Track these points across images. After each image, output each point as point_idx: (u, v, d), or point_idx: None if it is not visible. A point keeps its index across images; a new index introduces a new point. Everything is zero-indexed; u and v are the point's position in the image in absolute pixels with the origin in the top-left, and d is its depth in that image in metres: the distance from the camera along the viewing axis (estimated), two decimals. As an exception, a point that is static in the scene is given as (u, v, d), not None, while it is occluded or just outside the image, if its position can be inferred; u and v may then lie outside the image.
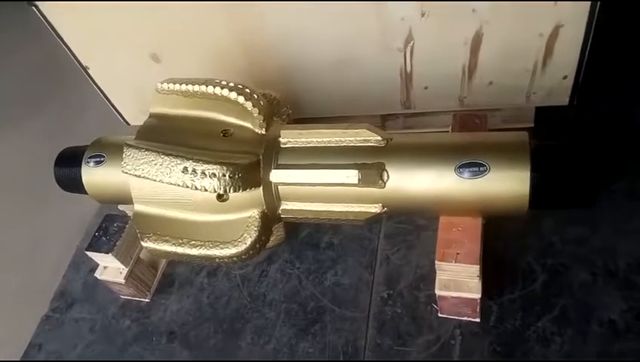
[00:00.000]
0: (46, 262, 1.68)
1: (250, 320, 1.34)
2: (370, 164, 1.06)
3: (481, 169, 0.99)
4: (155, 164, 1.07)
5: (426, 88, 1.42)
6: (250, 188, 1.09)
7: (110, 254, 1.29)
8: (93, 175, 1.30)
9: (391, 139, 1.09)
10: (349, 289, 1.32)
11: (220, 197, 1.10)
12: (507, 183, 0.98)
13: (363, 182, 1.05)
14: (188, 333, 1.36)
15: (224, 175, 1.04)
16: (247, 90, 1.15)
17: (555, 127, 1.48)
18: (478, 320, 1.18)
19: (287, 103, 1.34)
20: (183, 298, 1.43)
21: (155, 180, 1.08)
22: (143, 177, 1.08)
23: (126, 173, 1.10)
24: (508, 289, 1.21)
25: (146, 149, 1.08)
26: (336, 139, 1.11)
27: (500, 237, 1.26)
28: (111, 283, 1.38)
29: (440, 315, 1.21)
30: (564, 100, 1.38)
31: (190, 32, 1.41)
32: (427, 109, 1.51)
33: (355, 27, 1.29)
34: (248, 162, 1.08)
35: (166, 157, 1.06)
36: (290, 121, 1.31)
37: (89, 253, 1.33)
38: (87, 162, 1.30)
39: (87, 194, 1.34)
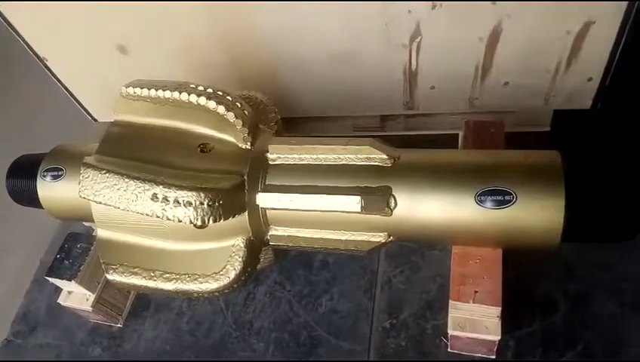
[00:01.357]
0: (5, 278, 1.51)
1: (236, 352, 1.19)
2: (375, 188, 0.90)
3: (507, 198, 0.84)
4: (119, 189, 0.89)
5: (432, 88, 1.25)
6: (233, 216, 0.92)
7: (73, 281, 1.13)
8: (50, 190, 1.12)
9: (398, 158, 0.93)
10: (346, 316, 1.18)
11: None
12: (537, 215, 0.83)
13: (366, 209, 0.89)
14: (165, 365, 1.22)
15: (201, 203, 0.88)
16: (229, 98, 0.97)
17: (573, 130, 1.33)
18: (493, 357, 1.05)
19: (275, 104, 1.16)
20: (160, 323, 1.28)
21: (118, 208, 0.90)
22: (105, 204, 0.91)
23: (84, 198, 0.93)
24: (526, 321, 1.08)
25: (107, 171, 0.90)
26: (335, 156, 0.95)
27: (516, 261, 1.12)
28: (77, 309, 1.22)
29: (450, 351, 1.08)
30: (587, 104, 1.23)
31: (162, 21, 1.22)
32: (432, 111, 1.35)
33: (355, 19, 1.12)
34: (230, 185, 0.92)
35: (131, 182, 0.89)
36: (278, 127, 1.13)
37: (50, 279, 1.16)
38: (44, 176, 1.12)
39: (42, 208, 1.17)
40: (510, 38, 1.10)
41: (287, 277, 1.26)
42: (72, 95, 1.51)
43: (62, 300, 1.21)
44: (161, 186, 0.88)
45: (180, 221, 0.88)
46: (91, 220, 1.07)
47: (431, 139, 1.39)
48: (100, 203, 0.91)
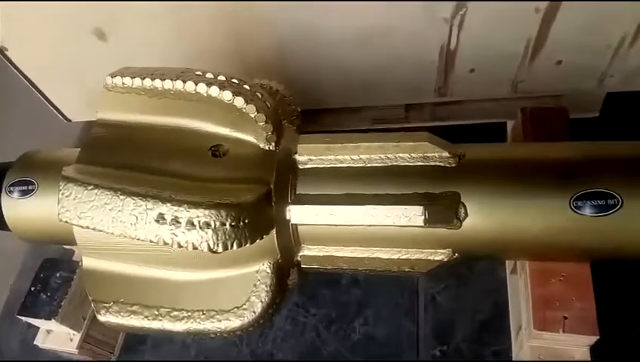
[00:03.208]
0: (-31, 310, 1.28)
1: (256, 392, 1.00)
2: (439, 195, 0.72)
3: (610, 202, 0.67)
4: (112, 210, 0.68)
5: (471, 71, 1.08)
6: (261, 237, 0.73)
7: (53, 320, 0.91)
8: (18, 209, 0.90)
9: (463, 155, 0.75)
10: (387, 344, 1.00)
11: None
12: (649, 222, 0.66)
13: (431, 222, 0.71)
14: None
15: (223, 223, 0.68)
16: (247, 87, 0.77)
17: (626, 117, 1.17)
18: (569, 387, 0.89)
19: (292, 96, 0.96)
20: (161, 359, 1.08)
21: (112, 234, 0.70)
22: (94, 229, 0.70)
23: (66, 222, 0.71)
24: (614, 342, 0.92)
25: (95, 186, 0.69)
26: (383, 156, 0.76)
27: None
28: (59, 351, 1.01)
29: (516, 381, 0.91)
30: (647, 86, 1.07)
31: (149, -2, 1.01)
32: (468, 97, 1.17)
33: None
34: (256, 198, 0.72)
35: (128, 199, 0.68)
36: (299, 123, 0.94)
37: (24, 318, 0.95)
38: (9, 191, 0.90)
39: (9, 230, 0.95)
40: (571, 7, 0.93)
41: (310, 298, 1.07)
42: (39, 91, 1.27)
43: (39, 341, 0.99)
44: (168, 204, 0.67)
45: (195, 248, 0.68)
46: (74, 244, 0.86)
47: (465, 130, 1.22)
48: (88, 228, 0.70)
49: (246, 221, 0.70)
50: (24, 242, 0.99)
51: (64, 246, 1.10)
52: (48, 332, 0.99)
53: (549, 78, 1.07)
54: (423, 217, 0.70)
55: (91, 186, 0.69)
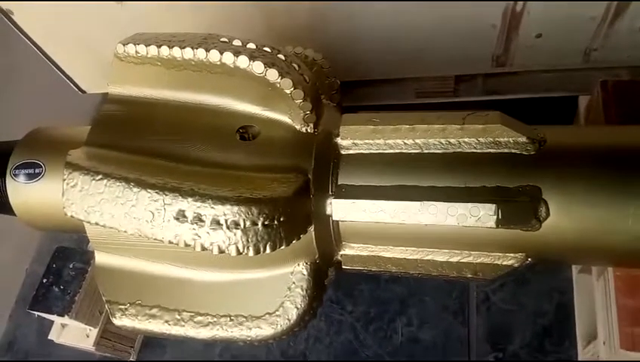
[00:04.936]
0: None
1: (287, 396, 0.92)
2: (514, 190, 0.60)
3: None
4: (123, 204, 0.58)
5: (538, 37, 0.93)
6: (299, 237, 0.62)
7: (67, 316, 0.83)
8: (25, 194, 0.80)
9: (544, 141, 0.61)
10: (433, 348, 0.89)
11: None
12: None
13: (505, 223, 0.58)
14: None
15: (254, 223, 0.57)
16: (281, 57, 0.65)
17: None
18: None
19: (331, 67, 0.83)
20: (184, 356, 1.00)
21: (124, 231, 0.59)
22: (103, 226, 0.60)
23: (72, 216, 0.62)
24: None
25: (104, 175, 0.59)
26: (443, 140, 0.63)
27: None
28: (75, 347, 0.93)
29: (583, 396, 0.80)
30: None
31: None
32: (530, 67, 1.02)
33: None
34: (293, 191, 0.60)
35: (143, 192, 0.57)
36: (339, 99, 0.81)
37: (36, 313, 0.87)
38: (15, 174, 0.80)
39: (15, 216, 0.86)
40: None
41: (347, 294, 0.97)
42: (50, 60, 1.17)
43: (54, 336, 0.91)
44: (189, 198, 0.56)
45: (221, 251, 0.57)
46: (83, 232, 0.77)
47: (523, 105, 1.07)
48: (96, 224, 0.60)
49: (281, 219, 0.59)
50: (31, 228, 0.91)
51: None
52: (63, 326, 0.91)
53: (627, 46, 0.92)
54: (495, 217, 0.58)
55: (100, 176, 0.59)
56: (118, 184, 0.58)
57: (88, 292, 0.86)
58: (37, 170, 0.79)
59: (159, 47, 0.66)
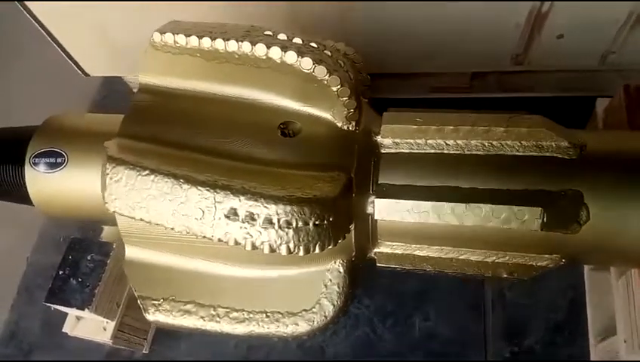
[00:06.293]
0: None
1: (305, 388, 0.92)
2: (557, 194, 0.61)
3: None
4: (172, 201, 0.57)
5: (559, 37, 0.94)
6: (344, 237, 0.62)
7: (87, 310, 0.81)
8: (45, 184, 0.78)
9: (585, 146, 0.63)
10: (450, 343, 0.91)
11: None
12: None
13: (549, 226, 0.60)
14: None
15: (306, 223, 0.56)
16: (328, 54, 0.64)
17: None
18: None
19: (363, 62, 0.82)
20: (198, 348, 0.99)
21: (171, 228, 0.58)
22: (149, 222, 0.59)
23: (116, 212, 0.60)
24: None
25: (152, 171, 0.57)
26: (486, 142, 0.64)
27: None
28: (91, 340, 0.91)
29: (595, 389, 0.83)
30: None
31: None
32: (548, 67, 1.04)
33: None
34: (339, 191, 0.60)
35: (193, 189, 0.56)
36: (370, 95, 0.80)
37: (52, 306, 0.85)
38: (34, 163, 0.77)
39: (32, 205, 0.84)
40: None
41: (365, 289, 0.98)
42: (55, 41, 1.13)
43: (68, 329, 0.89)
44: (241, 197, 0.55)
45: (272, 250, 0.57)
46: (108, 224, 0.76)
47: (533, 103, 1.10)
48: (142, 220, 0.59)
49: (330, 219, 0.58)
50: (48, 218, 0.88)
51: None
52: (78, 319, 0.89)
53: (647, 50, 0.94)
54: (540, 221, 0.59)
55: (147, 171, 0.57)
56: (166, 180, 0.57)
57: (107, 285, 0.84)
58: (59, 160, 0.77)
59: (200, 37, 0.65)
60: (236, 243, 0.57)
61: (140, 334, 0.96)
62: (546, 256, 0.65)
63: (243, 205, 0.56)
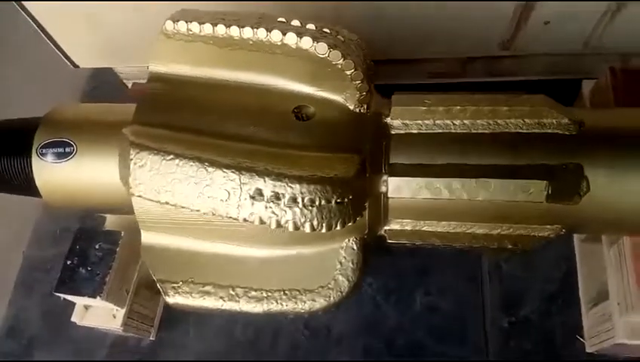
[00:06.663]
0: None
1: (314, 369, 0.95)
2: (558, 168, 0.65)
3: None
4: (198, 184, 0.58)
5: (546, 24, 0.98)
6: (361, 214, 0.64)
7: (99, 297, 0.82)
8: (52, 174, 0.78)
9: (583, 123, 0.67)
10: (451, 316, 0.95)
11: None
12: None
13: (554, 198, 0.64)
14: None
15: (328, 200, 0.59)
16: (341, 39, 0.66)
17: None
18: (641, 358, 0.87)
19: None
20: (205, 333, 1.00)
21: (196, 210, 0.60)
22: (174, 205, 0.60)
23: (140, 196, 0.61)
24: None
25: (177, 156, 0.59)
26: (491, 121, 0.67)
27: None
28: (100, 329, 0.92)
29: (589, 351, 0.89)
30: None
31: None
32: (533, 51, 1.08)
33: None
34: (355, 171, 0.63)
35: (218, 171, 0.58)
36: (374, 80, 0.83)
37: (63, 296, 0.85)
38: (42, 153, 0.77)
39: (40, 197, 0.83)
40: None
41: (368, 267, 1.01)
42: (44, 31, 1.11)
43: (77, 318, 0.89)
44: (266, 178, 0.57)
45: (296, 228, 0.59)
46: (118, 212, 0.76)
47: (521, 86, 1.14)
48: (167, 203, 0.60)
49: (350, 197, 0.61)
50: (53, 209, 0.88)
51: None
52: (86, 308, 0.89)
53: (625, 37, 0.99)
54: (545, 193, 0.63)
55: (171, 156, 0.59)
56: (191, 164, 0.58)
57: (117, 272, 0.85)
58: (67, 149, 0.77)
59: (215, 25, 0.66)
60: (261, 222, 0.59)
61: (147, 321, 0.97)
62: (548, 226, 0.69)
63: (268, 185, 0.57)
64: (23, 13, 1.05)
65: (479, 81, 1.15)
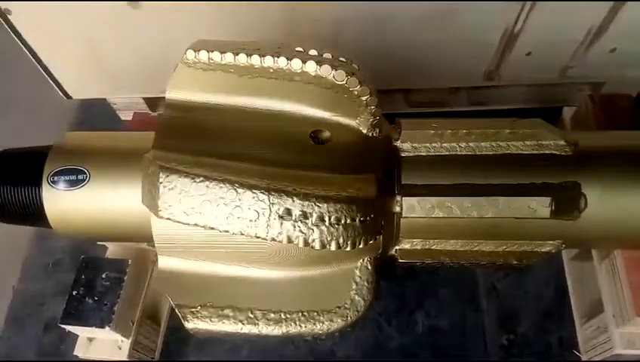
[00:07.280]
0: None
1: (321, 394, 0.95)
2: (558, 186, 0.70)
3: None
4: (227, 205, 0.60)
5: (528, 55, 1.06)
6: (381, 233, 0.67)
7: (107, 327, 0.81)
8: (63, 202, 0.77)
9: (577, 144, 0.72)
10: (452, 335, 0.98)
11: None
12: None
13: (557, 213, 0.68)
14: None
15: (353, 219, 0.61)
16: (356, 67, 0.70)
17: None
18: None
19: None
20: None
21: (225, 232, 0.61)
22: (203, 227, 0.61)
23: (168, 218, 0.62)
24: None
25: (206, 178, 0.60)
26: (494, 143, 0.72)
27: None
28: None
29: (585, 363, 0.93)
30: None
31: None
32: (515, 82, 1.16)
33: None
34: (376, 191, 0.66)
35: (248, 192, 0.60)
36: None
37: (68, 328, 0.83)
38: (53, 182, 0.77)
39: (49, 228, 0.82)
40: (642, -4, 0.93)
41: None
42: (40, 62, 1.11)
43: (80, 352, 0.87)
44: (295, 197, 0.60)
45: (323, 246, 0.61)
46: (130, 240, 0.77)
47: (502, 115, 1.21)
48: (196, 225, 0.61)
49: (372, 216, 0.64)
50: (63, 237, 0.87)
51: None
52: (90, 340, 0.87)
53: (599, 65, 1.08)
54: (549, 209, 0.68)
55: (201, 178, 0.60)
56: (221, 185, 0.60)
57: (125, 302, 0.84)
58: (80, 177, 0.77)
59: (236, 54, 0.69)
60: (289, 241, 0.61)
61: (149, 353, 0.95)
62: (549, 242, 0.74)
63: (296, 205, 0.60)
64: (16, 39, 1.05)
65: (462, 110, 1.22)
